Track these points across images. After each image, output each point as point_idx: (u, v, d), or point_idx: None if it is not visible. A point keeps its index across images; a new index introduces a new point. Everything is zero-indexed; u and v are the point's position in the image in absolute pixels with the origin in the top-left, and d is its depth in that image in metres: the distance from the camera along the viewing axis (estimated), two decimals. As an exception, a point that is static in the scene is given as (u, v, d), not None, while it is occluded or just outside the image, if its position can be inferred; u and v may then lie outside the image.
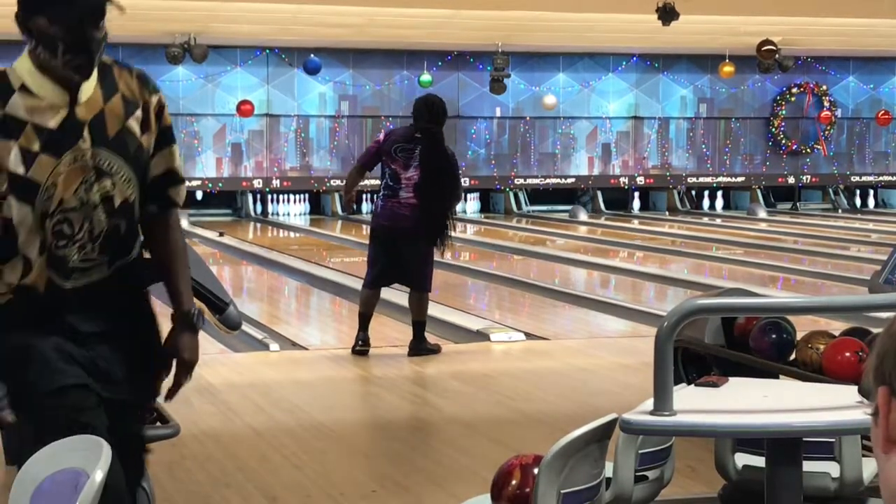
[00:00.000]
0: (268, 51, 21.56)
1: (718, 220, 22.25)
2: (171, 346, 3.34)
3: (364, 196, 20.38)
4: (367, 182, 8.57)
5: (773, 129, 24.31)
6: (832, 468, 4.12)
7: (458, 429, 6.56)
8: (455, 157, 8.66)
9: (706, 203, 24.24)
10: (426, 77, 21.78)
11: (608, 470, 3.60)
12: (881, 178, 25.01)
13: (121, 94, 3.19)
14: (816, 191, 24.90)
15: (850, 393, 3.40)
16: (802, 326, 5.98)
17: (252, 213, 21.86)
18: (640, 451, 3.74)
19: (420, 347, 8.55)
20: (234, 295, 3.68)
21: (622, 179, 23.69)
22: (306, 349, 9.14)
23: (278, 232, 20.60)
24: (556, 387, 7.66)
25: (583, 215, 22.32)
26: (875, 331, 5.79)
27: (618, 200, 23.61)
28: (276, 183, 22.01)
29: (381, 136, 8.75)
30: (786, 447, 3.39)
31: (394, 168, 8.40)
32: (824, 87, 24.42)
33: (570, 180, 23.47)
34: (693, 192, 24.15)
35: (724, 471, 4.28)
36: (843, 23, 19.27)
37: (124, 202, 3.20)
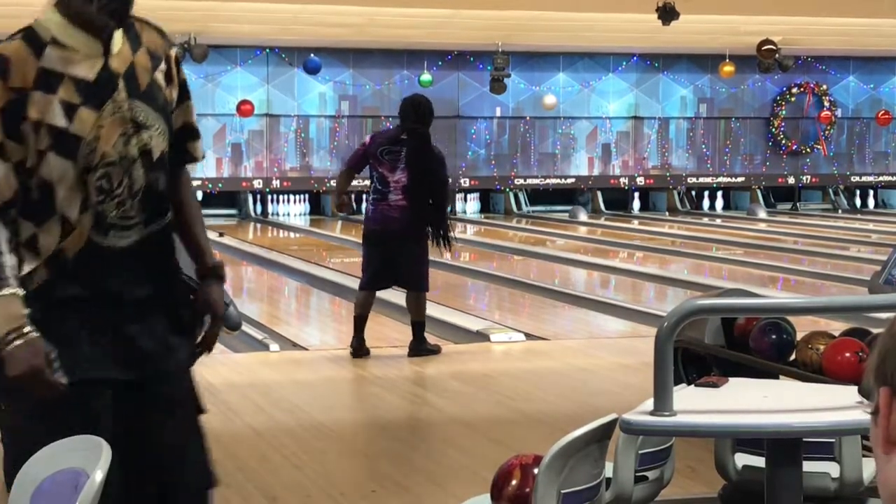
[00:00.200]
0: (268, 50, 21.56)
1: (718, 221, 22.25)
2: (203, 300, 3.25)
3: (363, 196, 20.37)
4: (357, 182, 8.54)
5: (773, 129, 24.32)
6: (832, 468, 4.12)
7: (458, 429, 6.56)
8: (443, 158, 8.57)
9: (706, 203, 24.24)
10: (426, 77, 21.78)
11: (608, 470, 3.60)
12: (881, 179, 25.01)
13: (145, 47, 3.12)
14: (816, 191, 24.90)
15: (850, 393, 3.40)
16: (802, 327, 5.99)
17: (252, 214, 21.87)
18: (640, 452, 3.74)
19: (420, 348, 8.54)
20: (234, 295, 3.65)
21: (622, 180, 23.69)
22: (306, 349, 9.14)
23: (278, 232, 20.60)
24: (556, 387, 7.66)
25: (583, 215, 22.31)
26: (875, 331, 5.79)
27: (618, 201, 23.61)
28: (276, 183, 22.01)
29: (368, 139, 8.71)
30: (786, 447, 3.39)
31: (381, 171, 8.37)
32: (824, 87, 24.42)
33: (570, 180, 23.46)
34: (693, 193, 24.15)
35: (724, 471, 4.28)
36: (844, 22, 19.27)
37: (161, 156, 3.12)
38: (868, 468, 4.12)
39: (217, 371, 7.83)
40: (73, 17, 3.01)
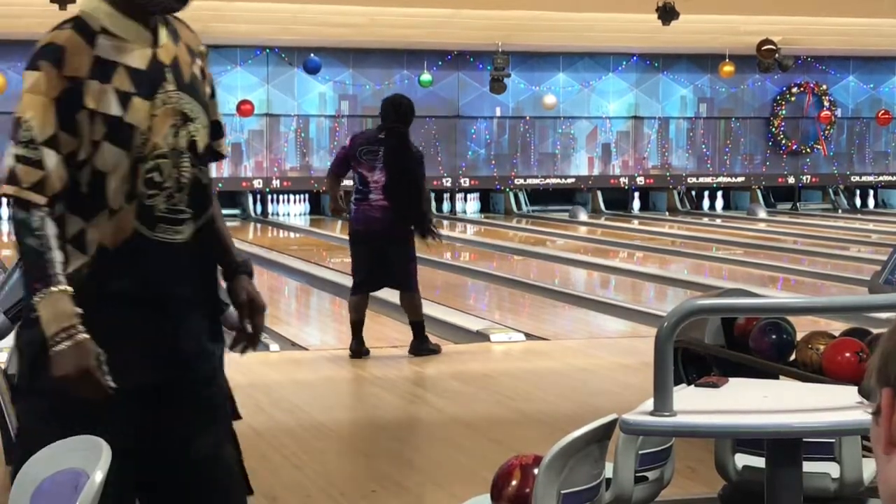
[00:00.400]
0: (268, 50, 21.56)
1: (718, 221, 22.25)
2: (241, 297, 3.20)
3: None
4: (349, 182, 8.52)
5: (773, 129, 24.32)
6: (832, 468, 4.12)
7: (458, 429, 6.56)
8: (421, 156, 8.55)
9: (706, 203, 24.23)
10: (426, 77, 21.79)
11: (608, 470, 3.60)
12: (881, 178, 25.01)
13: (184, 42, 3.12)
14: (816, 191, 24.90)
15: (850, 393, 3.40)
16: (802, 327, 5.99)
17: (252, 214, 21.87)
18: (640, 452, 3.74)
19: (421, 347, 8.53)
20: (234, 295, 3.62)
21: (622, 179, 23.69)
22: (306, 349, 9.14)
23: (278, 232, 20.61)
24: (556, 387, 7.66)
25: (583, 215, 22.31)
26: (875, 331, 5.80)
27: (618, 201, 23.61)
28: (276, 183, 22.01)
29: (348, 141, 8.71)
30: (786, 447, 3.39)
31: (361, 171, 8.36)
32: (824, 87, 24.42)
33: (570, 180, 23.46)
34: (693, 193, 24.15)
35: (724, 471, 4.28)
36: (844, 22, 19.27)
37: (205, 149, 3.10)
38: (868, 468, 4.13)
39: (217, 371, 7.82)
40: (120, 8, 2.98)
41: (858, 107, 24.84)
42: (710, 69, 23.24)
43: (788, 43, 20.70)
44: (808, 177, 24.61)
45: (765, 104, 24.35)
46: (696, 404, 3.37)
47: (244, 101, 21.32)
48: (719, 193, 24.31)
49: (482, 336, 9.41)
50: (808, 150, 24.53)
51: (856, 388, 3.41)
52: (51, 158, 2.91)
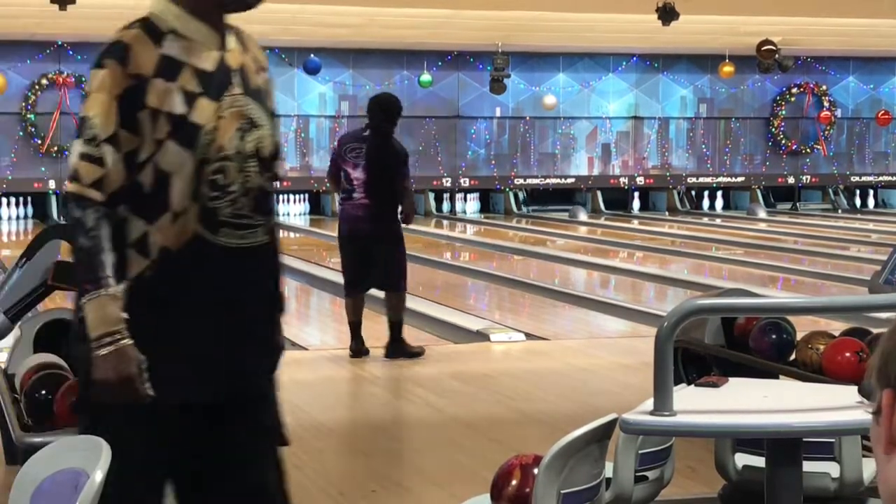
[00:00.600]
0: (268, 51, 21.52)
1: (718, 221, 22.25)
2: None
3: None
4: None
5: (773, 129, 24.32)
6: (832, 468, 4.12)
7: (458, 429, 6.56)
8: (406, 154, 8.51)
9: (706, 203, 24.23)
10: (426, 77, 21.79)
11: (608, 470, 3.60)
12: (881, 178, 25.01)
13: (252, 53, 3.13)
14: (816, 191, 24.90)
15: (850, 393, 3.40)
16: (802, 326, 5.99)
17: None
18: (640, 452, 3.74)
19: (399, 349, 8.44)
20: (233, 295, 3.62)
21: (622, 179, 23.69)
22: (306, 349, 9.14)
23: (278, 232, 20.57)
24: (556, 387, 7.66)
25: (583, 215, 22.31)
26: (875, 331, 5.80)
27: (618, 200, 23.60)
28: (275, 183, 21.98)
29: (337, 141, 8.70)
30: (786, 447, 3.39)
31: (346, 169, 8.35)
32: (824, 87, 24.42)
33: (569, 180, 23.46)
34: (693, 193, 24.15)
35: (724, 471, 4.28)
36: (843, 23, 19.27)
37: (270, 157, 3.08)
38: (868, 468, 4.13)
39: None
40: (192, 8, 2.98)
41: (858, 107, 24.84)
42: (710, 69, 23.24)
43: (788, 43, 20.70)
44: (808, 177, 24.61)
45: (765, 104, 24.35)
46: (696, 404, 3.37)
47: (244, 102, 21.31)
48: (719, 193, 24.31)
49: (482, 336, 9.41)
50: (808, 150, 24.54)
51: (856, 388, 3.41)
52: (111, 156, 2.89)
